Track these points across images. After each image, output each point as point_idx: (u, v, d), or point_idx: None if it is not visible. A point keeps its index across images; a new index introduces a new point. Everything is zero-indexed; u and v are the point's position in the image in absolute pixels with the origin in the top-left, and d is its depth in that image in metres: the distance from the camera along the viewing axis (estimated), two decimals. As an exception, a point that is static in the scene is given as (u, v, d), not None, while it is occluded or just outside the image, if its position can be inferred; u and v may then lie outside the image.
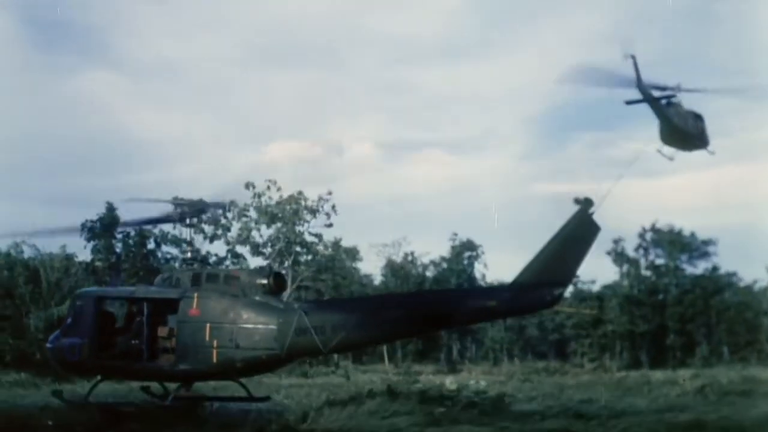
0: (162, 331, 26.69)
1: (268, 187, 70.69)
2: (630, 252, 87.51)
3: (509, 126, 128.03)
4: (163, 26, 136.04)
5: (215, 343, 25.40)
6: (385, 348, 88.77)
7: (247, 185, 70.21)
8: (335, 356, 78.31)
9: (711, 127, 28.50)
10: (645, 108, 27.04)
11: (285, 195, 71.10)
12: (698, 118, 27.72)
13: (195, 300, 25.81)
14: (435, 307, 25.83)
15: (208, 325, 25.46)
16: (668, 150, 27.35)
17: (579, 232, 24.09)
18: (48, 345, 28.65)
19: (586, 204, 24.07)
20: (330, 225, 72.56)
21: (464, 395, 30.30)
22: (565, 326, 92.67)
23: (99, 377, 28.62)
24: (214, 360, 25.39)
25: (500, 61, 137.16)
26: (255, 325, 25.42)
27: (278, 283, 26.58)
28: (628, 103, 26.51)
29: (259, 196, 70.63)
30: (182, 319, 25.95)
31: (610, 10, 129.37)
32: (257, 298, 25.94)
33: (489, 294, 28.42)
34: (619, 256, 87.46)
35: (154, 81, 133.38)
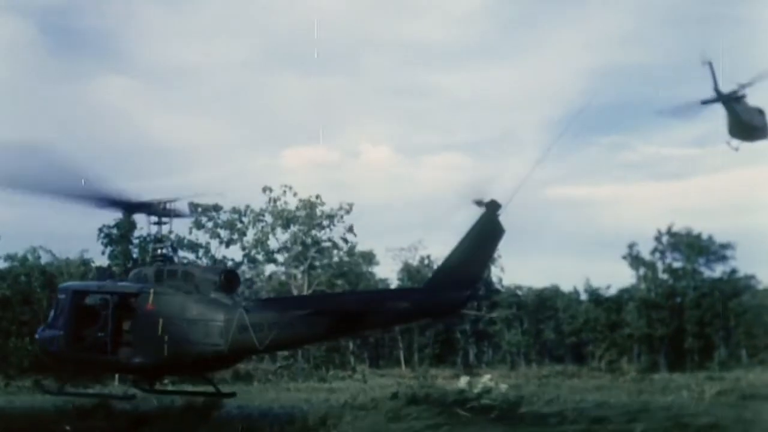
0: (125, 325, 27.23)
1: (284, 192, 70.77)
2: (646, 255, 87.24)
3: (526, 129, 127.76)
4: (179, 32, 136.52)
5: (166, 338, 25.89)
6: (401, 352, 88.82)
7: (264, 189, 70.31)
8: (352, 360, 78.47)
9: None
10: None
11: (301, 199, 71.16)
12: (761, 112, 29.36)
13: (151, 295, 26.33)
14: (357, 308, 26.12)
15: (160, 320, 25.95)
16: (735, 142, 29.05)
17: (486, 235, 24.32)
18: (36, 336, 29.68)
19: (492, 206, 24.23)
20: (345, 240, 72.73)
21: (483, 400, 30.24)
22: (582, 330, 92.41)
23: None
24: (165, 354, 25.87)
25: (517, 64, 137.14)
26: (203, 321, 25.92)
27: (230, 280, 26.96)
28: (704, 102, 28.10)
29: (275, 200, 70.70)
30: (139, 314, 26.53)
31: (628, 14, 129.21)
32: (211, 295, 26.40)
33: (405, 296, 28.70)
34: (635, 259, 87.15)
35: (169, 86, 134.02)
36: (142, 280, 27.16)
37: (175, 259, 71.13)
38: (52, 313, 28.84)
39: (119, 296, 27.13)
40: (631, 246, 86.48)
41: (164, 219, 28.62)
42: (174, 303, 26.07)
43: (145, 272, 27.69)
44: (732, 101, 27.81)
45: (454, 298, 23.96)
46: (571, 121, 25.70)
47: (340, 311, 25.67)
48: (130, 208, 28.91)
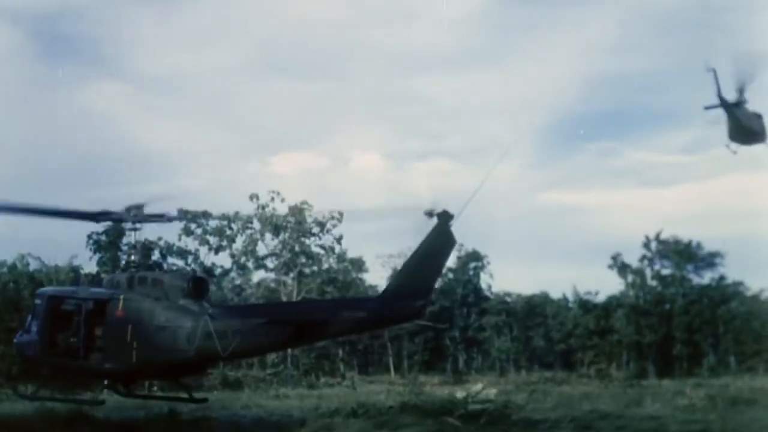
0: (96, 331, 27.46)
1: (272, 198, 70.64)
2: (635, 262, 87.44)
3: (515, 136, 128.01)
4: (169, 38, 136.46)
5: (135, 344, 26.20)
6: (391, 358, 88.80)
7: (251, 197, 70.20)
8: (341, 367, 78.42)
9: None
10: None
11: (290, 205, 71.06)
12: (759, 117, 30.36)
13: (121, 302, 26.68)
14: (316, 317, 26.50)
15: (129, 326, 26.29)
16: (734, 146, 30.18)
17: (438, 245, 24.79)
18: (15, 340, 30.10)
19: (444, 217, 24.60)
20: (333, 249, 72.67)
21: (471, 406, 30.32)
22: (571, 336, 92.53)
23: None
24: (134, 360, 26.19)
25: (506, 71, 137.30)
26: (171, 328, 26.26)
27: (198, 287, 27.22)
28: (707, 108, 29.18)
29: (263, 207, 70.58)
30: (109, 320, 26.87)
31: (620, 21, 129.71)
32: (180, 301, 26.66)
33: (361, 305, 29.09)
34: (621, 267, 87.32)
35: (159, 91, 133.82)
36: (115, 287, 27.56)
37: (164, 266, 70.86)
38: (29, 318, 29.20)
39: (91, 302, 27.45)
40: (615, 257, 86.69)
41: (137, 225, 28.86)
42: (142, 309, 26.48)
43: (118, 279, 28.11)
44: (733, 107, 28.60)
45: (408, 308, 24.48)
46: (507, 149, 26.19)
47: (300, 320, 26.04)
48: (96, 217, 29.17)
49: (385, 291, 25.71)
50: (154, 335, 26.03)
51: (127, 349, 26.07)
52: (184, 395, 29.05)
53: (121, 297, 26.64)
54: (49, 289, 33.82)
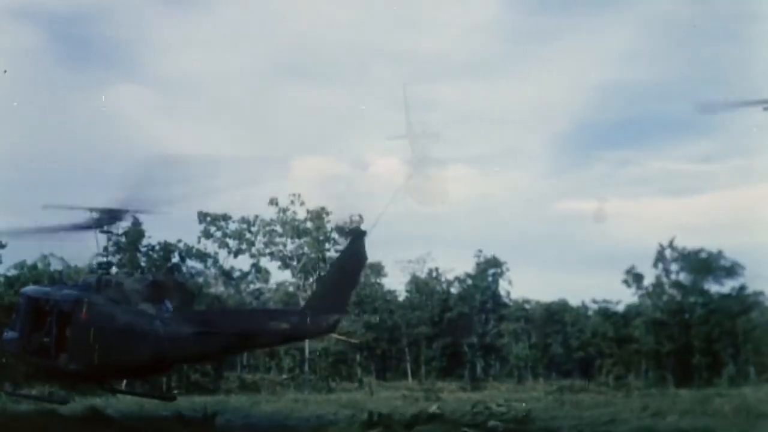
0: (65, 332, 27.73)
1: (292, 202, 70.72)
2: (652, 271, 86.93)
3: (534, 144, 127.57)
4: (189, 41, 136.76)
5: (96, 346, 26.47)
6: (408, 364, 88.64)
7: (271, 201, 70.31)
8: (359, 372, 78.40)
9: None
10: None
11: (309, 210, 71.12)
12: None
13: (84, 304, 26.97)
14: (250, 326, 26.77)
15: (92, 328, 26.56)
16: None
17: (349, 262, 25.18)
18: (3, 337, 30.56)
19: (356, 234, 24.96)
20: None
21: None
22: (590, 344, 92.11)
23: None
24: (96, 361, 26.44)
25: (525, 79, 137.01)
26: (128, 331, 26.47)
27: (157, 291, 27.41)
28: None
29: (284, 211, 70.67)
30: (74, 322, 27.13)
31: (636, 30, 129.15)
32: (139, 305, 26.88)
33: (285, 316, 29.34)
34: (636, 277, 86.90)
35: (178, 95, 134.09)
36: (85, 289, 27.88)
37: (183, 269, 70.65)
38: (14, 316, 29.70)
39: (60, 304, 27.76)
40: (629, 270, 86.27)
41: (110, 228, 29.10)
42: (103, 313, 26.82)
43: (89, 281, 28.47)
44: None
45: (325, 322, 24.93)
46: (398, 191, 26.57)
47: (237, 330, 26.31)
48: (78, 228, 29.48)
49: (306, 305, 26.46)
50: (113, 337, 26.42)
51: (89, 351, 26.44)
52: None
53: (85, 300, 27.06)
54: (29, 289, 34.31)
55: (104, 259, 30.26)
